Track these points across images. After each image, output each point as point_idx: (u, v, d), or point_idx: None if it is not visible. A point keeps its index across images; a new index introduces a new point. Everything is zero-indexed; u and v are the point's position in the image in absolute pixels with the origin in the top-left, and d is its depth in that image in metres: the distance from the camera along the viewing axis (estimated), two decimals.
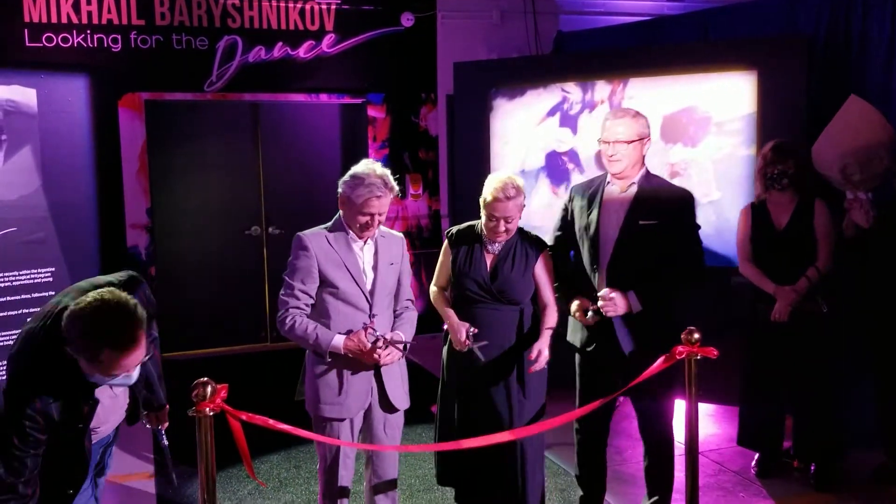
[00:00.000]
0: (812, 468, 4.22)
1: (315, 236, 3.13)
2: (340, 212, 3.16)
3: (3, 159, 5.07)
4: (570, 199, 3.58)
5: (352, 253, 3.12)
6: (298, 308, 3.09)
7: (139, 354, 2.33)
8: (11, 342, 5.09)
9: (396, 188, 3.08)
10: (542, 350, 3.33)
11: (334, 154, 7.29)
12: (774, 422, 4.24)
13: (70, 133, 5.36)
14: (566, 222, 3.59)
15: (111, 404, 2.58)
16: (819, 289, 4.03)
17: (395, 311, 3.28)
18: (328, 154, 7.27)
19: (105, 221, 5.55)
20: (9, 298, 5.10)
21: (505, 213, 3.26)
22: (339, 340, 3.03)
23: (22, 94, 5.11)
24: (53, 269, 5.30)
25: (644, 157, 3.44)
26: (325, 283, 3.10)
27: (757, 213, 4.18)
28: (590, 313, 3.37)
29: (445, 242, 3.53)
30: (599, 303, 3.33)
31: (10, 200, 5.09)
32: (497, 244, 3.39)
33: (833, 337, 4.16)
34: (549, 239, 3.59)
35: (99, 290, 2.36)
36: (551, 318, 3.41)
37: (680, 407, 3.58)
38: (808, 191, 4.10)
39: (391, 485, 3.31)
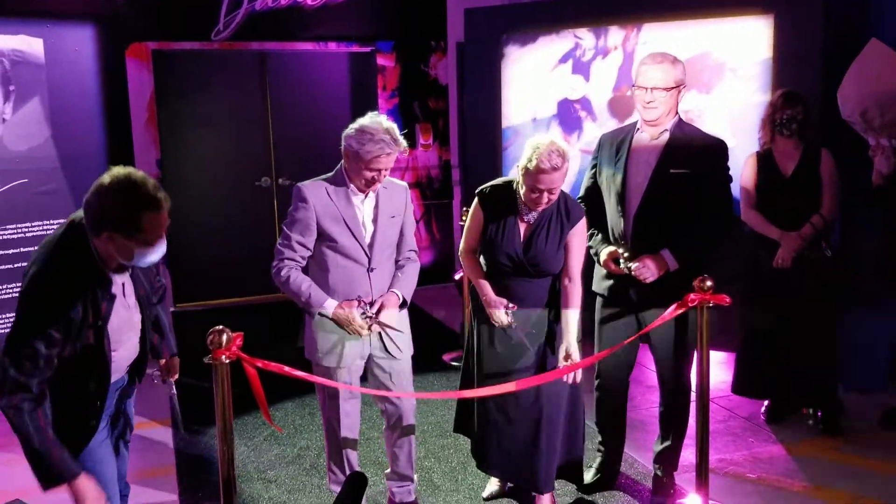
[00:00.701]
0: (819, 413, 4.26)
1: (315, 188, 3.10)
2: (343, 163, 3.12)
3: (13, 110, 5.05)
4: (599, 148, 3.50)
5: (351, 206, 3.09)
6: (294, 260, 3.08)
7: (167, 219, 2.41)
8: None
9: (404, 143, 3.02)
10: (570, 354, 3.10)
11: (343, 104, 7.23)
12: (772, 370, 4.25)
13: (78, 83, 5.33)
14: (594, 167, 3.51)
15: (126, 317, 2.60)
16: (823, 236, 4.03)
17: (396, 261, 3.25)
18: (337, 104, 7.21)
19: None
20: (21, 250, 5.13)
21: (550, 184, 3.00)
22: (330, 305, 3.04)
23: (28, 44, 5.07)
24: (65, 220, 5.32)
25: (678, 104, 3.37)
26: (323, 237, 3.09)
27: (763, 161, 4.16)
28: (622, 263, 3.28)
29: (476, 201, 3.27)
30: (633, 268, 3.24)
31: (21, 152, 5.09)
32: (534, 213, 3.15)
33: (840, 282, 4.16)
34: (580, 191, 3.53)
35: (113, 170, 2.39)
36: (575, 297, 3.16)
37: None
38: (814, 139, 4.08)
39: (408, 431, 3.35)
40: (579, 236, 3.19)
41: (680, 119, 3.38)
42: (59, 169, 5.25)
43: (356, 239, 3.08)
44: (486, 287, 3.19)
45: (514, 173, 3.19)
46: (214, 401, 2.64)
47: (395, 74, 7.11)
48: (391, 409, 3.30)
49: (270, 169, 7.12)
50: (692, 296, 3.09)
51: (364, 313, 3.04)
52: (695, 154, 3.29)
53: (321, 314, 3.07)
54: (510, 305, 3.13)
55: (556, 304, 3.21)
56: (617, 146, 3.42)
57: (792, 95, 4.07)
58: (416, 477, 3.46)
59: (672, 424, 3.55)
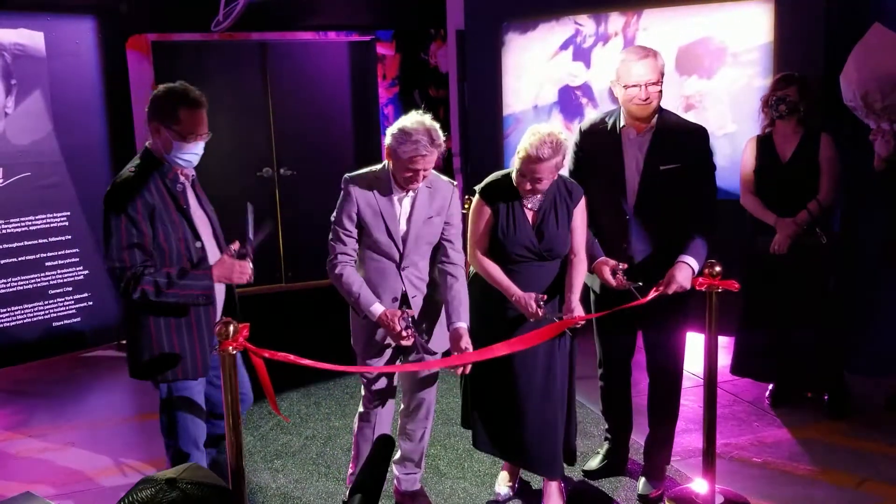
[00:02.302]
0: (825, 397, 4.27)
1: (360, 180, 3.13)
2: (387, 160, 3.12)
3: (15, 104, 5.05)
4: (582, 139, 3.40)
5: (391, 202, 3.11)
6: (347, 255, 3.13)
7: (203, 120, 2.89)
8: (31, 286, 5.18)
9: (443, 144, 3.01)
10: (573, 309, 3.11)
11: (344, 93, 7.20)
12: (769, 352, 4.26)
13: (79, 76, 5.34)
14: (579, 164, 3.42)
15: (201, 215, 3.02)
16: (819, 221, 4.03)
17: (444, 268, 3.20)
18: (338, 93, 7.19)
19: (117, 164, 5.53)
20: (26, 243, 5.15)
21: (539, 173, 3.02)
22: (377, 309, 3.08)
23: (29, 38, 5.07)
24: (69, 213, 5.33)
25: None
26: (361, 229, 3.13)
27: (762, 146, 4.15)
28: (620, 274, 3.20)
29: (478, 199, 3.23)
30: (669, 291, 3.17)
31: (23, 145, 5.10)
32: (536, 199, 3.17)
33: (838, 268, 4.18)
34: None
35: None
36: (580, 272, 3.21)
37: (697, 339, 3.62)
38: (815, 124, 4.07)
39: (425, 418, 3.40)
40: (581, 214, 3.23)
41: (662, 109, 3.33)
42: (62, 162, 5.26)
43: (390, 235, 3.11)
44: (512, 285, 3.15)
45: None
46: (222, 391, 2.66)
47: (395, 63, 7.09)
48: (414, 396, 3.34)
49: (272, 159, 7.11)
50: (701, 280, 3.09)
51: (407, 325, 3.05)
52: (681, 146, 3.26)
53: (366, 317, 3.12)
54: (542, 297, 3.09)
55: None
56: (603, 143, 3.33)
57: (787, 77, 4.07)
58: (423, 464, 3.49)
59: (664, 411, 3.53)
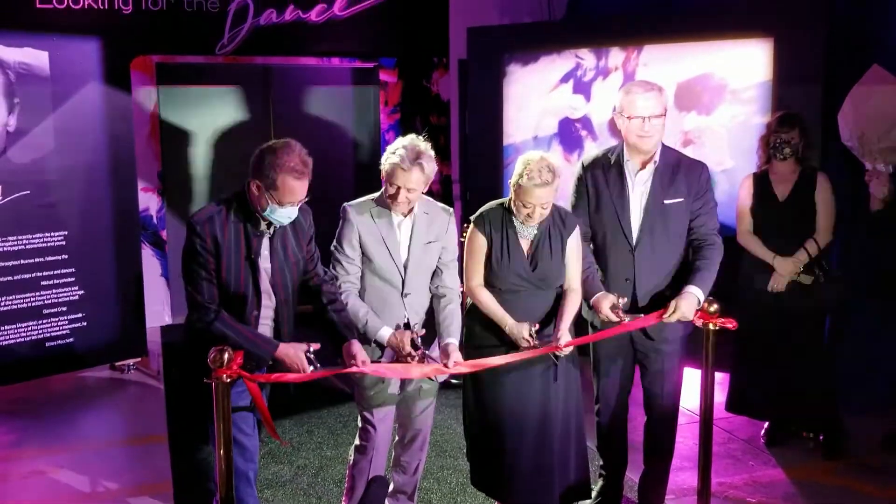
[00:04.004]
0: (821, 437, 4.25)
1: (359, 207, 3.16)
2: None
3: (17, 123, 5.06)
4: (584, 174, 3.40)
5: (391, 229, 3.13)
6: (351, 283, 3.15)
7: (304, 189, 2.84)
8: (25, 305, 5.16)
9: (428, 166, 3.02)
10: (560, 337, 3.11)
11: (346, 118, 7.24)
12: (764, 390, 4.24)
13: (82, 96, 5.35)
14: (583, 199, 3.40)
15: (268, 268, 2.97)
16: (816, 260, 4.04)
17: (438, 291, 3.24)
18: (340, 118, 7.22)
19: (117, 185, 5.56)
20: (23, 262, 5.13)
21: (541, 199, 3.02)
22: (385, 332, 3.09)
23: (34, 57, 5.09)
24: (66, 232, 5.32)
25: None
26: (363, 256, 3.15)
27: (759, 184, 4.17)
28: (619, 309, 3.18)
29: (472, 229, 3.22)
30: (672, 320, 3.18)
31: (24, 164, 5.10)
32: (531, 228, 3.17)
33: (835, 307, 4.18)
34: None
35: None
36: (572, 302, 3.20)
37: (691, 374, 3.61)
38: (811, 163, 4.09)
39: (420, 450, 3.37)
40: (575, 243, 3.23)
41: (664, 145, 3.36)
42: (62, 181, 5.25)
43: (393, 260, 3.12)
44: (506, 315, 3.14)
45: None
46: (214, 419, 2.65)
47: (397, 90, 7.13)
48: (410, 427, 3.33)
49: None
50: (699, 314, 3.10)
51: (417, 346, 3.07)
52: (683, 180, 3.29)
53: (376, 342, 3.13)
54: (534, 326, 3.10)
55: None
56: (606, 177, 3.34)
57: (788, 118, 4.07)
58: (416, 497, 3.46)
59: (660, 447, 3.52)
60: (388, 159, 3.04)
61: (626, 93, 3.29)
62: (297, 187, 2.81)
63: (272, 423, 2.86)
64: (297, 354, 2.89)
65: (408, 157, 2.98)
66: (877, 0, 4.66)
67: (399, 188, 3.02)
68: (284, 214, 2.86)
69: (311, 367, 2.91)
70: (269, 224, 2.92)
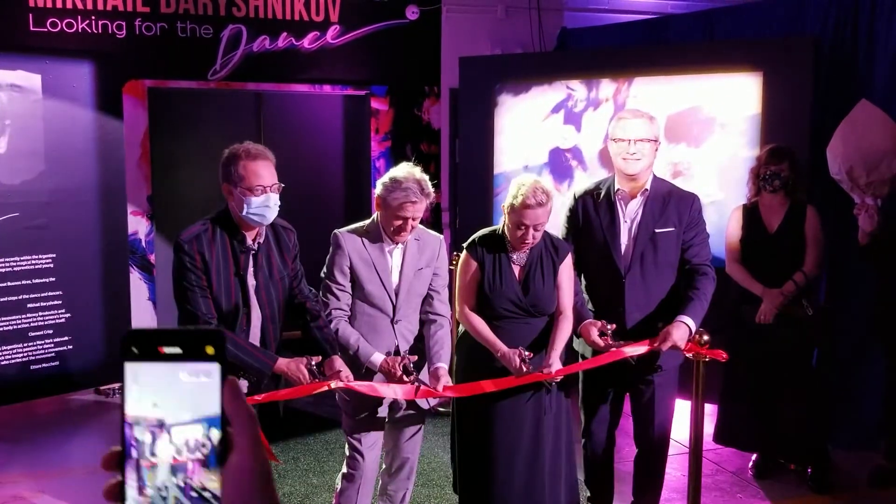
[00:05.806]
0: (809, 470, 4.24)
1: (350, 235, 3.16)
2: (377, 213, 3.17)
3: (7, 144, 5.05)
4: (576, 204, 3.41)
5: (383, 256, 3.14)
6: (341, 310, 3.14)
7: (269, 168, 2.92)
8: (12, 328, 5.11)
9: (433, 194, 3.08)
10: (551, 364, 3.10)
11: (337, 145, 7.26)
12: (752, 422, 4.24)
13: (73, 119, 5.35)
14: (576, 229, 3.41)
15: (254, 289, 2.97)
16: (805, 293, 4.06)
17: (428, 317, 3.25)
18: (331, 145, 7.25)
19: (106, 208, 5.54)
20: (9, 284, 5.09)
21: (535, 220, 3.05)
22: (377, 359, 3.09)
23: (26, 79, 5.09)
24: (54, 254, 5.29)
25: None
26: (354, 283, 3.15)
27: (748, 215, 4.20)
28: (608, 336, 3.16)
29: (465, 254, 3.24)
30: (663, 348, 3.16)
31: (13, 185, 5.08)
32: (523, 254, 3.18)
33: (823, 340, 4.20)
34: None
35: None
36: (563, 329, 3.20)
37: (683, 406, 3.61)
38: (801, 196, 4.13)
39: (407, 478, 3.36)
40: (568, 271, 3.23)
41: (654, 175, 3.38)
42: (51, 203, 5.24)
43: (384, 288, 3.12)
44: (497, 341, 3.13)
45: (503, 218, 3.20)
46: None
47: (388, 118, 7.17)
48: (398, 456, 3.31)
49: None
50: (689, 346, 3.10)
51: (409, 372, 3.07)
52: (674, 210, 3.30)
53: (368, 368, 3.12)
54: (527, 354, 3.08)
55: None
56: (597, 207, 3.35)
57: (778, 151, 4.11)
58: None
59: (649, 479, 3.50)
60: (392, 193, 3.02)
61: (616, 119, 3.37)
62: (260, 168, 2.87)
63: (267, 444, 2.84)
64: (298, 367, 2.89)
65: (417, 189, 3.00)
66: (864, 35, 4.74)
67: (407, 220, 3.04)
68: (262, 204, 2.87)
69: (314, 380, 2.91)
70: (255, 239, 2.95)
